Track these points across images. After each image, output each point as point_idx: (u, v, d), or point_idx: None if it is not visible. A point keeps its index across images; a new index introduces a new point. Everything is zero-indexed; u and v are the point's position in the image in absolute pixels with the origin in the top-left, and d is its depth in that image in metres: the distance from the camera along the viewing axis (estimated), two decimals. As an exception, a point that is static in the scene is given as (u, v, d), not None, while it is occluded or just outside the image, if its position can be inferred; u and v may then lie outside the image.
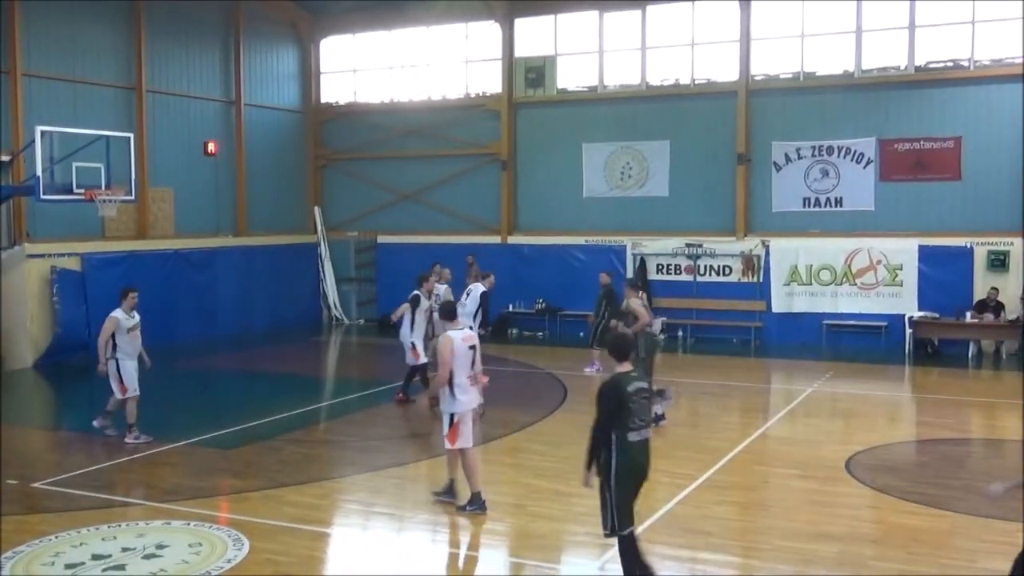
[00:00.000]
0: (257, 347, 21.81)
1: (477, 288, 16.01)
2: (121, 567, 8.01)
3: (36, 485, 10.61)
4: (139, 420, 12.55)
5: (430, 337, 14.95)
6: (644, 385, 7.23)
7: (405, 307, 14.92)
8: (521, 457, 12.18)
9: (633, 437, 7.01)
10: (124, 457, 11.80)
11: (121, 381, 12.43)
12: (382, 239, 25.93)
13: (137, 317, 12.66)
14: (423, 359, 14.83)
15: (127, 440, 12.42)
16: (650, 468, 7.31)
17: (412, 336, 14.88)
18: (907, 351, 20.24)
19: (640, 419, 7.08)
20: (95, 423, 12.85)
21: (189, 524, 9.18)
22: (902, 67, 21.08)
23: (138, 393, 12.58)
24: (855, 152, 21.33)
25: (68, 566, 8.08)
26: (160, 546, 8.52)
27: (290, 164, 26.27)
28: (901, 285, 20.85)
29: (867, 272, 21.15)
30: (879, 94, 21.27)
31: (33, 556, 8.33)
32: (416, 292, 15.06)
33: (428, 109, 25.63)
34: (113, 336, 12.38)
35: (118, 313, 12.49)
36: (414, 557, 8.75)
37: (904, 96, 21.03)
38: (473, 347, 9.78)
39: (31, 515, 9.61)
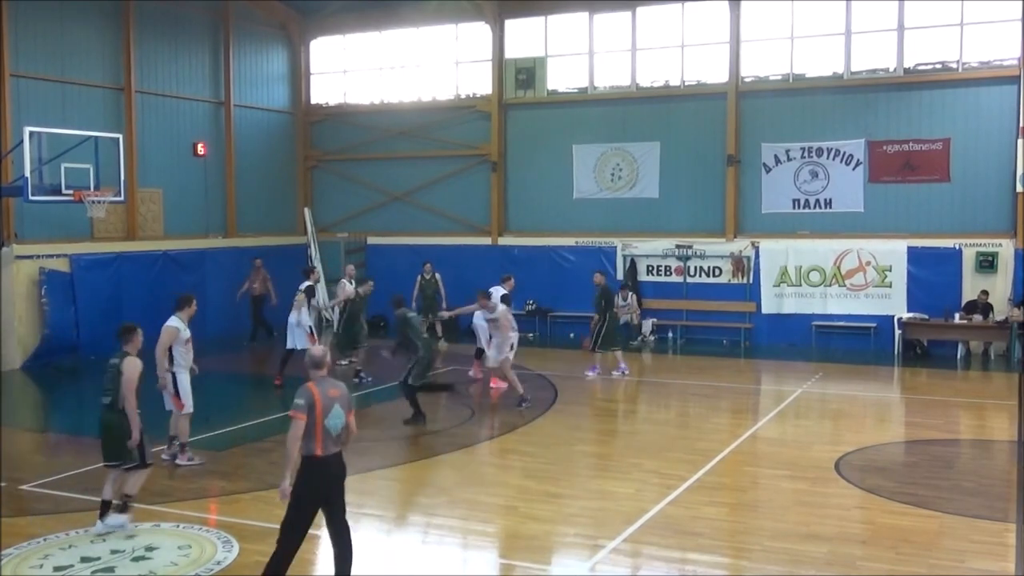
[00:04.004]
0: (246, 349, 21.77)
1: (498, 291, 16.63)
2: (110, 569, 7.98)
3: (24, 487, 10.57)
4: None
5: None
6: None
7: (302, 297, 16.91)
8: (511, 458, 12.18)
9: None
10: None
11: (178, 396, 11.36)
12: (372, 240, 25.91)
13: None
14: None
15: (179, 461, 11.40)
16: None
17: (310, 321, 16.98)
18: (896, 352, 20.29)
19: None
20: (177, 460, 11.41)
21: (178, 526, 9.15)
22: (891, 69, 21.15)
23: (192, 410, 11.55)
24: (844, 154, 21.40)
25: (57, 568, 8.06)
26: (149, 548, 8.50)
27: (280, 165, 26.22)
28: (890, 286, 20.91)
29: (856, 273, 21.21)
30: (868, 96, 21.34)
31: (22, 558, 8.30)
32: (308, 283, 17.40)
33: (418, 110, 25.62)
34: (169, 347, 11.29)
35: (177, 323, 11.35)
36: (403, 559, 8.74)
37: (893, 98, 21.10)
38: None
39: (20, 517, 9.57)
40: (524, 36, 24.46)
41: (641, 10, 23.15)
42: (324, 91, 26.93)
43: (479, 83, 24.98)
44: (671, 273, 22.83)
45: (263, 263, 22.46)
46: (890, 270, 20.90)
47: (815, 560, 8.32)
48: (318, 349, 7.60)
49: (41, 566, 8.14)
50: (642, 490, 10.43)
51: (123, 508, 9.03)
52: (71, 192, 17.26)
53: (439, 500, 10.15)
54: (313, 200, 26.69)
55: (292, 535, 7.24)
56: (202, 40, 23.80)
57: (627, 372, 17.81)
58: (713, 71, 22.61)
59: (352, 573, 7.40)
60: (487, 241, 24.65)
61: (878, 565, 8.23)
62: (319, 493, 7.23)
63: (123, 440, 8.89)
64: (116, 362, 9.07)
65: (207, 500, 10.23)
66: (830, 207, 21.60)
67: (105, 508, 8.97)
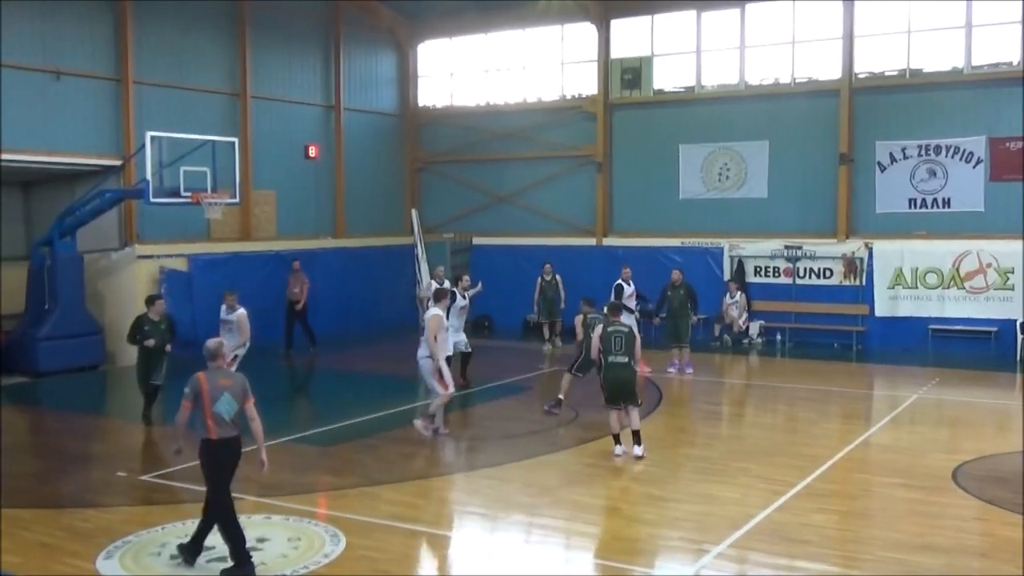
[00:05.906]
0: (354, 347, 22.15)
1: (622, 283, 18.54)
2: (223, 558, 8.21)
3: (143, 478, 11.00)
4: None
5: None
6: None
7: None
8: (615, 460, 12.10)
9: None
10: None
11: (442, 378, 12.52)
12: (478, 240, 26.11)
13: None
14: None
15: (440, 431, 12.81)
16: None
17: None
18: (1018, 358, 19.47)
19: None
20: (439, 431, 12.84)
21: (288, 519, 9.38)
22: (1014, 63, 20.29)
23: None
24: (964, 151, 20.63)
25: (173, 556, 8.34)
26: (260, 540, 8.71)
27: (388, 167, 26.65)
28: (1012, 289, 20.06)
29: (976, 275, 20.42)
30: (989, 91, 20.52)
31: (140, 547, 8.64)
32: (452, 289, 16.68)
33: (524, 111, 25.71)
34: None
35: (442, 311, 12.64)
36: (507, 558, 8.77)
37: (1015, 92, 20.19)
38: None
39: (138, 506, 10.00)
40: (630, 36, 24.30)
41: (750, 7, 22.77)
42: (431, 94, 27.26)
43: (584, 84, 24.93)
44: (780, 274, 22.38)
45: (300, 265, 21.70)
46: (1012, 272, 20.05)
47: (930, 572, 8.03)
48: (212, 342, 8.42)
49: (159, 554, 8.45)
50: (748, 495, 10.24)
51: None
52: (189, 194, 17.86)
53: (543, 500, 10.15)
54: (420, 201, 27.02)
55: (220, 505, 8.06)
56: (314, 46, 24.37)
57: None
58: (825, 67, 22.08)
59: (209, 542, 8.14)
60: (592, 242, 24.58)
61: (998, 579, 7.91)
62: (222, 466, 8.12)
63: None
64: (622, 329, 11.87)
65: (316, 494, 10.45)
66: (948, 207, 20.85)
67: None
